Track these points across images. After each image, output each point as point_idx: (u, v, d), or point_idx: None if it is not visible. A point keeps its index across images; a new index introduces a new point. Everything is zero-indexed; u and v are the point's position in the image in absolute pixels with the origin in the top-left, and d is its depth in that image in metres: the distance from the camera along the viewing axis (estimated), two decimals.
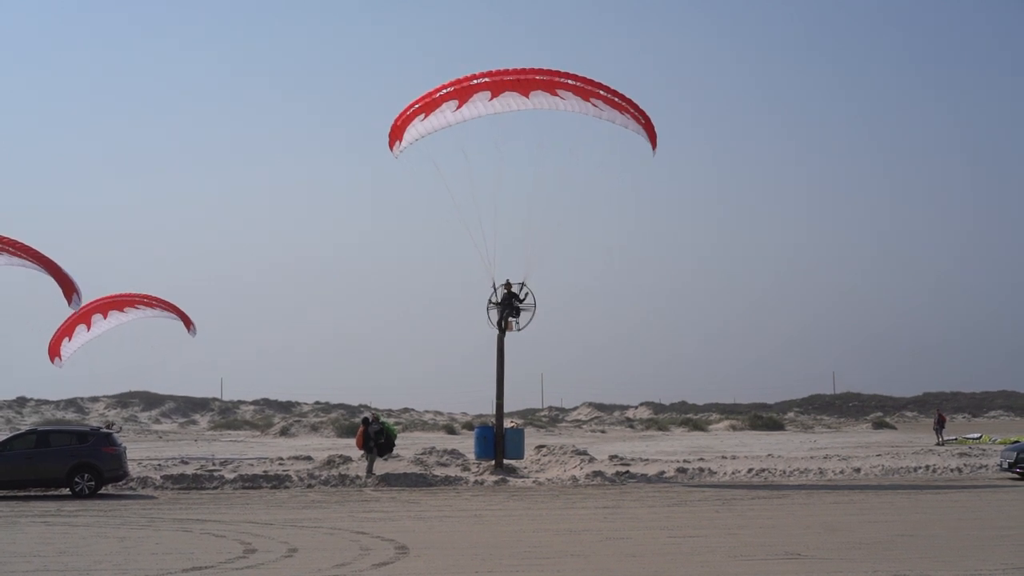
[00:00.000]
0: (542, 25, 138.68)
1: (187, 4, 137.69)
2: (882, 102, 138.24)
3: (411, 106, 28.20)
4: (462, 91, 27.50)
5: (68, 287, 31.29)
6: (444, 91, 27.75)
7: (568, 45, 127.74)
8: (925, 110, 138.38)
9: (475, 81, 27.46)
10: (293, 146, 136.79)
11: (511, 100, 27.43)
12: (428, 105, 27.86)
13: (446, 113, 27.68)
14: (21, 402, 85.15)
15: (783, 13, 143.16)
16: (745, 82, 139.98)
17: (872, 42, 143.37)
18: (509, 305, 30.27)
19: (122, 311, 33.29)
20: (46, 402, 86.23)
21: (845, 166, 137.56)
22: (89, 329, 33.17)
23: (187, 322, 34.19)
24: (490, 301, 30.48)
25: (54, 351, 33.25)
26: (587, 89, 27.36)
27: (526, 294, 30.40)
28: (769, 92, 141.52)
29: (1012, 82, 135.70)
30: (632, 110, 27.72)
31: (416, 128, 28.13)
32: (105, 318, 33.21)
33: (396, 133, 28.59)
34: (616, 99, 27.51)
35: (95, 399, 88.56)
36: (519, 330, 30.55)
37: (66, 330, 33.17)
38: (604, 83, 27.59)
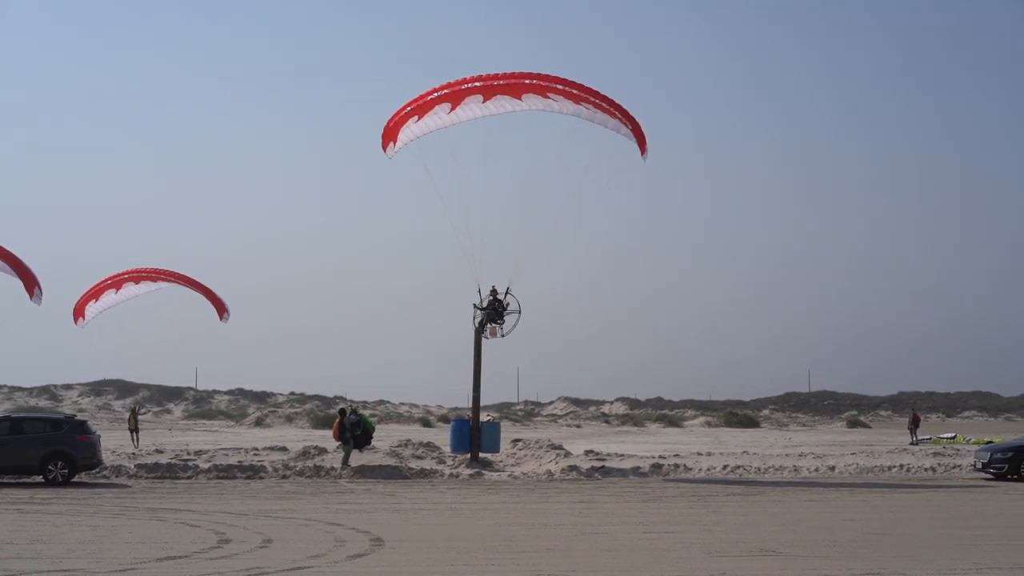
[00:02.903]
0: (530, 24, 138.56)
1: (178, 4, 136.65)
2: (868, 104, 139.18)
3: (403, 108, 28.07)
4: (454, 94, 27.38)
5: (30, 281, 31.06)
6: (436, 94, 27.59)
7: (555, 42, 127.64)
8: (911, 114, 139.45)
9: (467, 85, 27.33)
10: (274, 138, 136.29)
11: (503, 103, 27.34)
12: (420, 108, 27.73)
13: (439, 115, 27.59)
14: None
15: (774, 11, 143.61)
16: (732, 83, 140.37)
17: (862, 44, 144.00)
18: (494, 311, 30.09)
19: (155, 282, 33.23)
20: (19, 389, 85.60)
21: (827, 169, 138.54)
22: (118, 292, 33.06)
23: (220, 308, 33.94)
24: (475, 306, 30.30)
25: (79, 311, 33.22)
26: (577, 94, 27.32)
27: (508, 302, 30.21)
28: (754, 93, 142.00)
29: (999, 87, 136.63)
30: (621, 115, 27.69)
31: (410, 129, 28.01)
32: (137, 284, 33.10)
33: (389, 135, 28.43)
34: (606, 104, 27.49)
35: (68, 386, 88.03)
36: (503, 336, 30.42)
37: (94, 293, 33.11)
38: (594, 88, 27.57)
